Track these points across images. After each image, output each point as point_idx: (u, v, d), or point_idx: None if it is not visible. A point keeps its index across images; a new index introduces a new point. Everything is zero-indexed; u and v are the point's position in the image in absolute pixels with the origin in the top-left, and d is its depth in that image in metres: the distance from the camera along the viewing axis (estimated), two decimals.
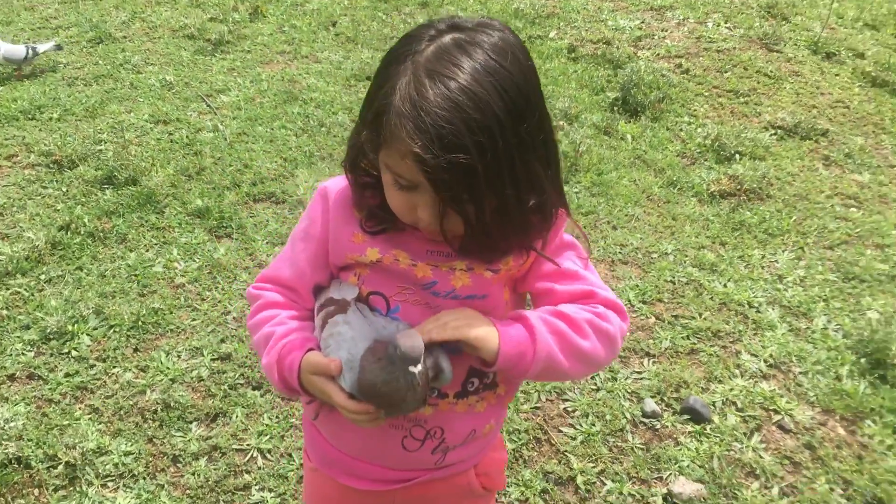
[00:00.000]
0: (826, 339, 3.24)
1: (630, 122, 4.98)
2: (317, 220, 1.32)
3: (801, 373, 3.06)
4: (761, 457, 2.66)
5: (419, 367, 1.12)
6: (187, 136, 4.43)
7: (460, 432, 1.36)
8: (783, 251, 3.81)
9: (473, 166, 1.05)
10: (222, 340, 2.99)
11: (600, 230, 3.86)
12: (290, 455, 2.55)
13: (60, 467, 2.44)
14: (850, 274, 3.67)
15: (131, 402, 2.70)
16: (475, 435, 1.38)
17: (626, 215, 3.99)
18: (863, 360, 3.12)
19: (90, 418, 2.63)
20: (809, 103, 5.34)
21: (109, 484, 2.43)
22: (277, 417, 2.68)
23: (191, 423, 2.65)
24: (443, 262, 1.26)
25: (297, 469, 2.50)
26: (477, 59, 1.07)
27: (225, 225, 3.68)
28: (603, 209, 4.02)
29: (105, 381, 2.78)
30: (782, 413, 2.85)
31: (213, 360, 2.90)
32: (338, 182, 1.33)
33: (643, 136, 4.80)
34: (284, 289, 1.37)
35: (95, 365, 2.84)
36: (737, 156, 4.58)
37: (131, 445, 2.54)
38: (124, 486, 2.42)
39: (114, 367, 2.84)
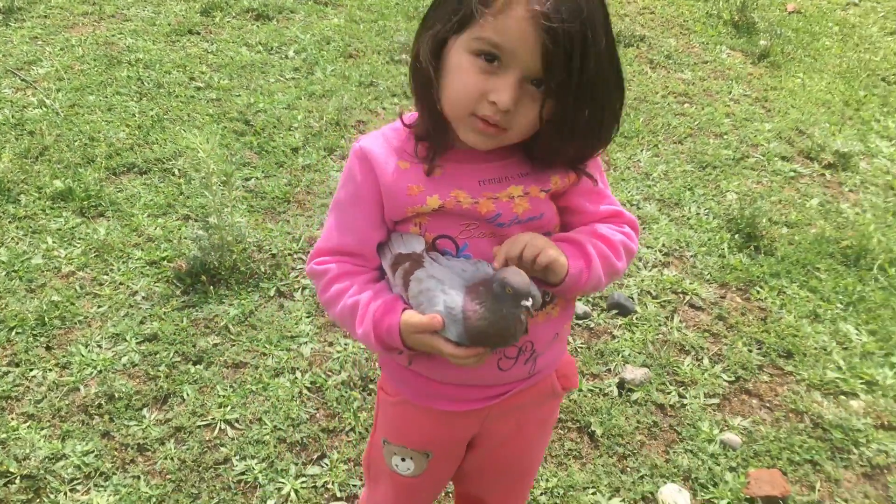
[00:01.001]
0: (701, 223, 3.57)
1: None
2: (365, 182, 1.31)
3: (692, 256, 3.37)
4: (685, 334, 2.94)
5: (530, 300, 1.16)
6: (13, 116, 3.98)
7: (545, 339, 1.42)
8: (642, 151, 4.12)
9: (585, 48, 1.11)
10: (141, 322, 2.81)
11: None
12: (259, 420, 2.48)
13: (18, 481, 2.23)
14: (703, 163, 4.05)
15: (68, 402, 2.49)
16: (558, 337, 1.45)
17: None
18: (737, 237, 3.48)
19: (29, 426, 2.40)
20: (621, 12, 5.71)
21: (79, 487, 2.24)
22: (231, 386, 2.58)
23: (141, 410, 2.49)
24: (500, 191, 1.28)
25: (273, 431, 2.44)
26: None
27: (95, 204, 3.39)
28: None
29: (29, 386, 2.54)
30: (689, 294, 3.14)
31: (139, 343, 2.72)
32: (371, 139, 1.34)
33: None
34: (349, 256, 1.35)
35: (10, 371, 2.58)
36: None
37: (87, 444, 2.35)
38: (95, 486, 2.25)
39: (31, 369, 2.59)
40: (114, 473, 2.30)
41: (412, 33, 5.26)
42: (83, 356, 2.65)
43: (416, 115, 1.33)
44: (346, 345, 2.76)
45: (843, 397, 2.72)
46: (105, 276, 3.02)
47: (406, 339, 1.26)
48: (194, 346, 2.72)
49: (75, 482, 2.26)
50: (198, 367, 2.65)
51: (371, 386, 2.61)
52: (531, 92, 1.16)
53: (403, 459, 1.53)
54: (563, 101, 1.16)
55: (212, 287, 2.94)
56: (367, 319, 1.28)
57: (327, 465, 2.36)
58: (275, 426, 2.46)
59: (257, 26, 5.21)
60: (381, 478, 1.64)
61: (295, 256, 3.16)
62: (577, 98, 1.16)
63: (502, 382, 1.43)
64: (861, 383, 2.77)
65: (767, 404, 2.68)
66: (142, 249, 3.16)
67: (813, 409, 2.65)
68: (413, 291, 1.26)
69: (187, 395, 2.55)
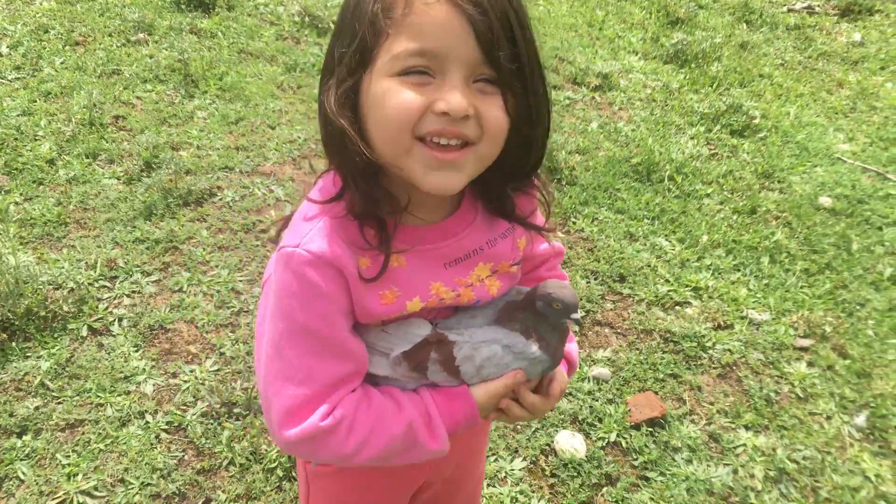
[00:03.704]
0: None
1: (205, 19, 4.69)
2: (338, 291, 1.03)
3: None
4: None
5: (579, 311, 1.11)
6: None
7: None
8: None
9: (520, 23, 0.95)
10: None
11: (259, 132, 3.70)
12: (121, 480, 2.15)
13: None
14: None
15: None
16: None
17: (273, 111, 3.86)
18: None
19: None
20: None
21: None
22: (74, 451, 2.22)
23: None
24: (468, 275, 1.12)
25: (141, 489, 2.14)
26: None
27: None
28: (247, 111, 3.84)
29: None
30: None
31: None
32: (320, 237, 1.02)
33: (229, 30, 4.58)
34: (347, 383, 1.07)
35: None
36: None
37: None
38: None
39: None
40: None
41: (143, 8, 4.79)
42: None
43: (328, 181, 1.08)
44: (191, 371, 2.47)
45: (678, 308, 2.90)
46: None
47: (484, 409, 1.13)
48: (12, 415, 2.30)
49: None
50: (24, 438, 2.25)
51: (237, 410, 2.37)
52: (484, 89, 0.96)
53: None
54: (521, 90, 0.98)
55: (10, 342, 2.49)
56: (439, 430, 1.09)
57: None
58: (143, 483, 2.16)
59: None
60: None
61: (97, 285, 2.76)
62: (530, 87, 0.99)
63: None
64: (689, 291, 2.97)
65: (619, 330, 2.80)
66: None
67: (659, 325, 2.80)
68: (471, 372, 1.10)
69: (24, 474, 2.16)
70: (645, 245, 3.19)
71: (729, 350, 2.72)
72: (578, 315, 1.10)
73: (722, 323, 2.83)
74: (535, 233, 1.22)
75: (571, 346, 1.28)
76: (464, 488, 1.54)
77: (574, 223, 3.28)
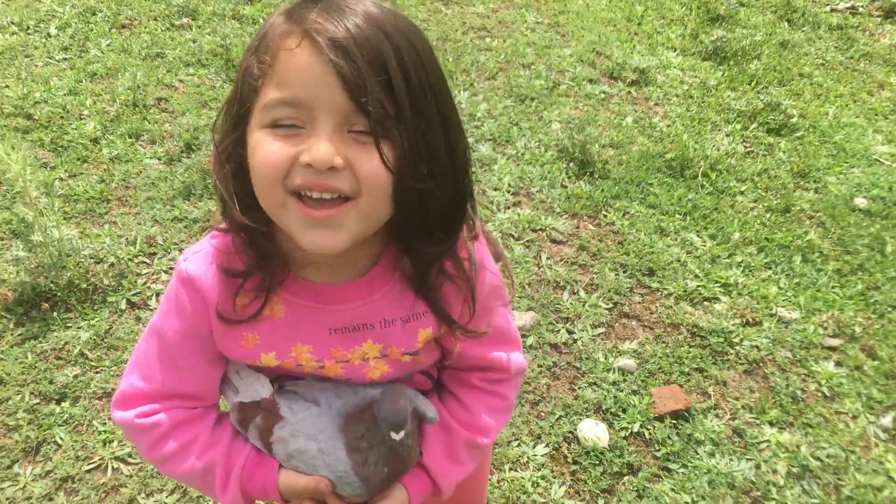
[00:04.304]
0: (536, 157, 3.63)
1: (248, 6, 4.76)
2: (197, 316, 1.04)
3: (537, 191, 3.42)
4: (557, 270, 2.99)
5: (402, 432, 1.00)
6: None
7: None
8: (460, 91, 4.09)
9: (397, 78, 0.87)
10: None
11: None
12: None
13: None
14: (521, 96, 4.10)
15: None
16: None
17: None
18: (572, 165, 3.58)
19: None
20: None
21: None
22: (111, 419, 2.30)
23: (11, 467, 2.14)
24: (350, 350, 1.06)
25: None
26: (368, 7, 0.90)
27: None
28: None
29: None
30: (547, 229, 3.19)
31: None
32: (201, 260, 1.04)
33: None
34: (180, 399, 1.08)
35: None
36: None
37: None
38: None
39: None
40: None
41: None
42: None
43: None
44: None
45: (707, 303, 2.91)
46: None
47: (285, 496, 1.09)
48: (52, 382, 2.38)
49: None
50: (63, 405, 2.33)
51: None
52: (358, 138, 0.88)
53: None
54: (403, 140, 0.89)
55: (52, 312, 2.57)
56: (233, 487, 1.07)
57: None
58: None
59: (4, 4, 4.55)
60: None
61: (137, 261, 2.84)
62: (416, 136, 0.90)
63: None
64: (718, 287, 2.97)
65: (646, 323, 2.81)
66: None
67: (686, 319, 2.81)
68: (281, 455, 1.06)
69: (61, 439, 2.24)
70: (676, 240, 3.19)
71: (756, 347, 2.72)
72: (399, 435, 0.99)
73: (751, 320, 2.83)
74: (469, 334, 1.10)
75: (449, 467, 1.16)
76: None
77: (605, 216, 3.29)
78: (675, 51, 4.72)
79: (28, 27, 4.36)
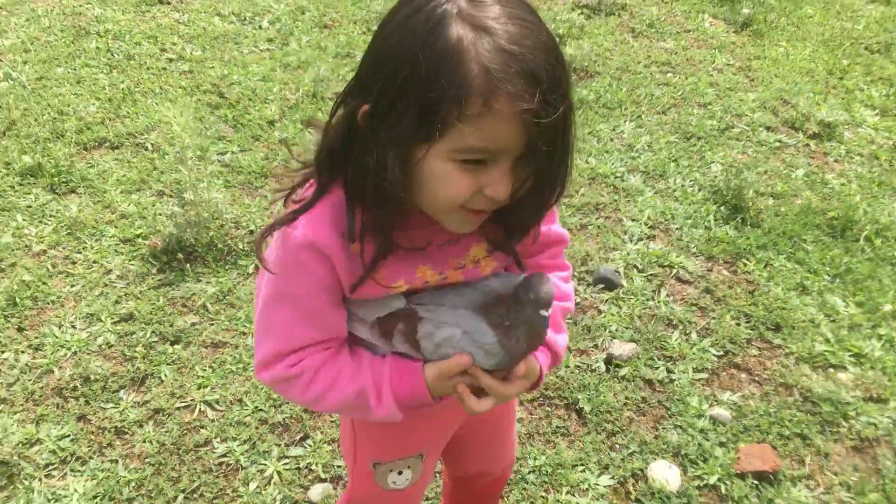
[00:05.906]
0: (687, 195, 3.52)
1: None
2: (325, 274, 1.12)
3: (677, 228, 3.32)
4: (673, 308, 2.89)
5: (549, 309, 1.12)
6: None
7: None
8: (625, 121, 4.05)
9: (566, 124, 1.00)
10: (117, 301, 2.72)
11: None
12: (240, 401, 2.41)
13: None
14: (688, 133, 3.99)
15: (41, 385, 2.41)
16: None
17: None
18: (723, 209, 3.44)
19: (1, 410, 2.32)
20: None
21: (54, 473, 2.18)
22: (211, 367, 2.51)
23: (118, 392, 2.42)
24: (463, 256, 1.19)
25: (254, 413, 2.38)
26: (513, 4, 0.97)
27: (65, 180, 3.28)
28: None
29: (0, 369, 2.45)
30: (676, 267, 3.09)
31: (114, 323, 2.64)
32: (313, 226, 1.09)
33: None
34: (319, 344, 1.20)
35: None
36: (557, 38, 4.74)
37: (62, 428, 2.28)
38: (72, 471, 2.18)
39: (2, 352, 2.51)
40: (90, 458, 2.23)
41: (391, 1, 5.13)
42: (56, 337, 2.57)
43: (308, 191, 1.14)
44: None
45: (831, 370, 2.69)
46: (78, 255, 2.92)
47: (434, 392, 1.20)
48: (171, 325, 2.64)
49: (51, 467, 2.19)
50: (175, 347, 2.58)
51: None
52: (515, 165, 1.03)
53: (401, 472, 1.46)
54: (550, 163, 1.04)
55: (188, 265, 2.85)
56: (386, 399, 1.18)
57: (310, 446, 2.30)
58: (256, 407, 2.39)
59: None
60: None
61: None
62: (553, 163, 1.04)
63: None
64: (849, 356, 2.74)
65: (756, 378, 2.65)
66: (115, 227, 3.06)
67: (802, 382, 2.62)
68: (429, 349, 1.17)
69: (165, 376, 2.48)
70: (816, 300, 2.98)
71: (874, 424, 2.49)
72: (548, 313, 1.10)
73: (875, 395, 2.59)
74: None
75: (559, 338, 1.31)
76: (499, 425, 1.64)
77: (744, 264, 3.13)
78: (873, 109, 4.39)
79: (245, 18, 4.83)
